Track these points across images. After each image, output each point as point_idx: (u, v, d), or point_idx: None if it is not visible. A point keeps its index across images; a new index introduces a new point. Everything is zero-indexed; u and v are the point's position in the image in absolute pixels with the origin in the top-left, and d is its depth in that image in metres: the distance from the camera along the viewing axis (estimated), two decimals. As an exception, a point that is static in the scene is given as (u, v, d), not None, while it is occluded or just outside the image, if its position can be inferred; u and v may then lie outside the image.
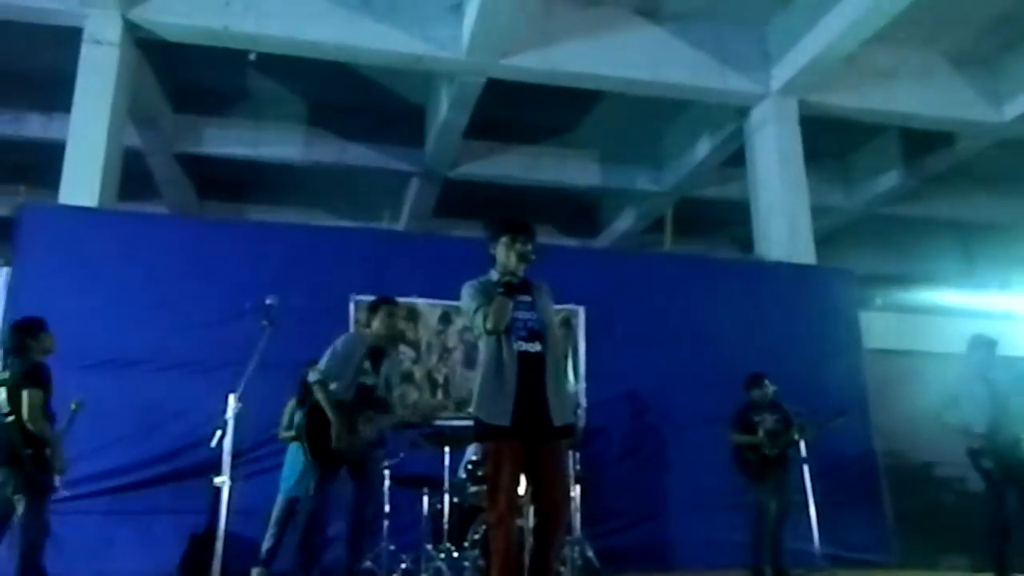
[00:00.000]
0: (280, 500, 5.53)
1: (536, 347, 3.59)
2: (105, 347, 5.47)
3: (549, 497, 3.57)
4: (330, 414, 4.60)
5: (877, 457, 7.54)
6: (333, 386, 4.73)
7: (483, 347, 3.61)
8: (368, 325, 5.05)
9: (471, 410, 3.63)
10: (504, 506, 3.46)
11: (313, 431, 4.64)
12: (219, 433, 4.05)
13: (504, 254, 3.63)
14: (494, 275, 3.67)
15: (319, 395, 4.66)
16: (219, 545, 4.02)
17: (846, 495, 6.77)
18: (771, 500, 6.00)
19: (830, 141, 11.12)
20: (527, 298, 3.66)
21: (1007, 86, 9.61)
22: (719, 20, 9.02)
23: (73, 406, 4.57)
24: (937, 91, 9.61)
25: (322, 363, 4.74)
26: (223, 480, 4.03)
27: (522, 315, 3.61)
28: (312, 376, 4.72)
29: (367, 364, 4.85)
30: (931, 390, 6.18)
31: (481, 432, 3.57)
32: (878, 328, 8.36)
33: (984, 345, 6.03)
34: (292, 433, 5.29)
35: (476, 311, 3.58)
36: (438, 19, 8.33)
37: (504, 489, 3.45)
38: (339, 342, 4.85)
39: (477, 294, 3.63)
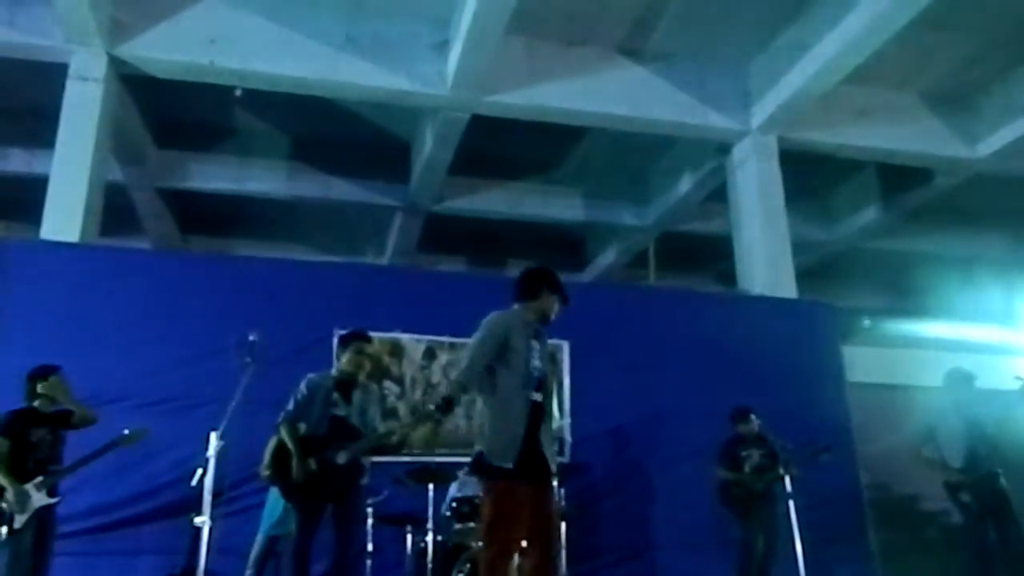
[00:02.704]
0: (259, 539, 5.44)
1: (539, 396, 3.79)
2: (86, 383, 5.37)
3: (546, 537, 3.62)
4: (290, 446, 4.68)
5: (862, 491, 7.53)
6: (301, 427, 4.79)
7: (500, 386, 3.71)
8: (338, 358, 5.13)
9: (478, 446, 3.70)
10: (502, 546, 3.52)
11: (280, 471, 4.72)
12: (200, 471, 4.01)
13: (550, 308, 3.97)
14: (526, 314, 3.91)
15: (282, 433, 4.75)
16: (198, 586, 3.95)
17: (832, 530, 6.73)
18: (758, 535, 5.98)
19: (810, 178, 11.28)
20: (539, 347, 3.88)
21: (981, 124, 9.82)
22: (701, 60, 9.18)
23: (120, 439, 4.82)
24: (912, 129, 9.81)
25: (287, 404, 4.81)
26: (203, 519, 3.97)
27: (536, 364, 3.82)
28: (279, 417, 4.80)
29: (335, 396, 4.89)
30: (912, 424, 6.22)
31: (487, 471, 3.64)
32: (861, 362, 8.41)
33: (961, 379, 6.08)
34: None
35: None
36: (423, 56, 8.42)
37: (504, 528, 3.53)
38: (303, 383, 4.90)
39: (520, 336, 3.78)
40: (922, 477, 6.92)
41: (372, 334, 6.76)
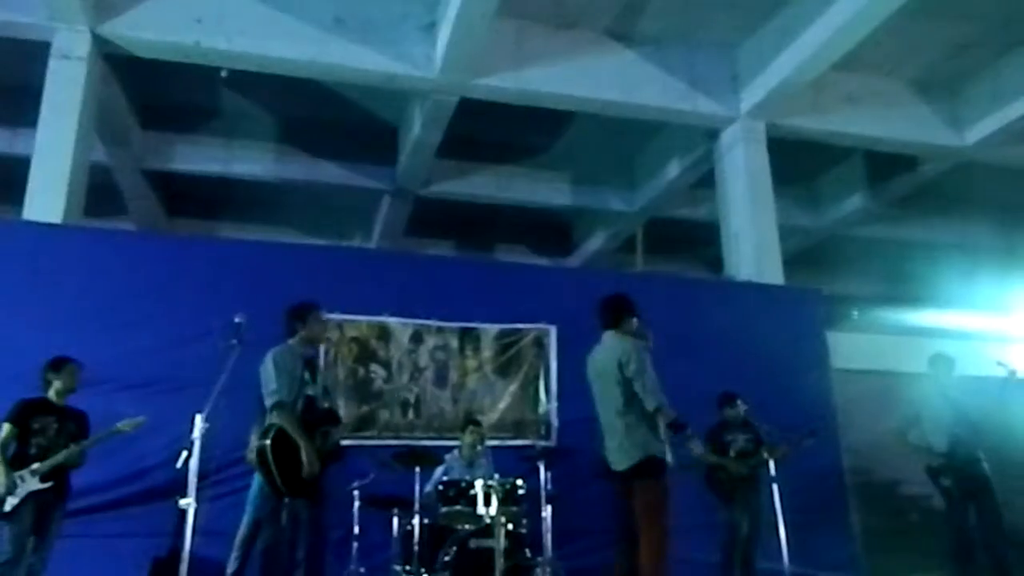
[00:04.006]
0: (246, 521, 5.43)
1: None
2: (69, 366, 5.38)
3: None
4: (299, 438, 4.37)
5: (845, 476, 7.60)
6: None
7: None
8: (293, 333, 4.75)
9: (637, 453, 4.50)
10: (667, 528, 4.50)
11: (282, 459, 4.34)
12: (185, 454, 3.99)
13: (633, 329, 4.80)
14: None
15: (283, 419, 4.41)
16: (183, 568, 3.93)
17: (815, 514, 6.79)
18: (742, 519, 6.03)
19: (798, 164, 11.31)
20: None
21: (967, 111, 9.87)
22: (690, 44, 9.17)
23: (117, 428, 4.91)
24: (900, 116, 9.85)
25: (271, 383, 4.47)
26: (188, 502, 3.96)
27: None
28: (269, 399, 4.47)
29: (307, 375, 4.69)
30: (897, 409, 6.27)
31: (661, 467, 4.54)
32: (846, 348, 8.46)
33: (943, 363, 6.14)
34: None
35: None
36: (411, 38, 8.36)
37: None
38: (276, 358, 4.55)
39: None
40: (904, 462, 6.99)
41: (359, 317, 6.84)
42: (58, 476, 4.84)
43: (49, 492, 4.78)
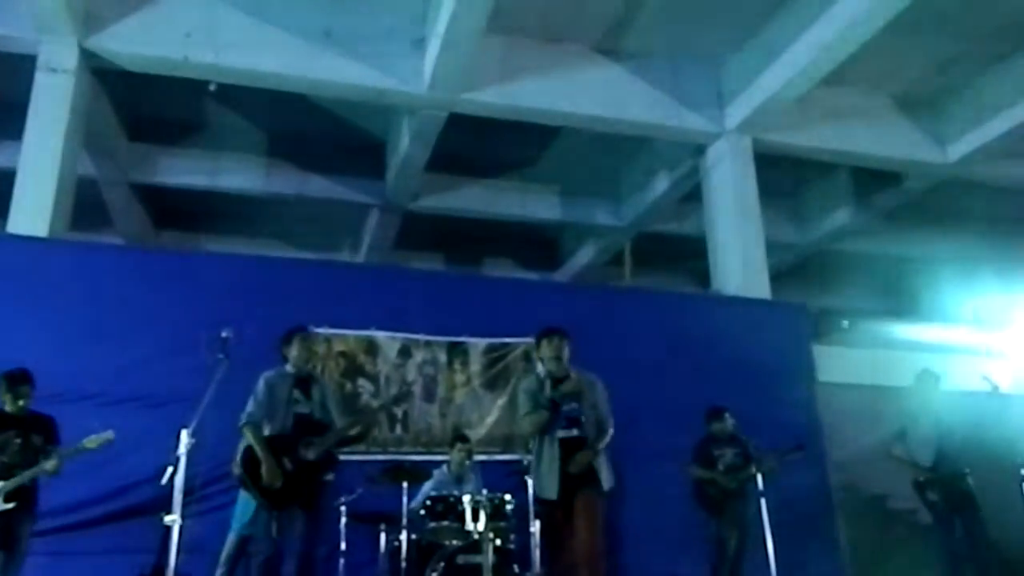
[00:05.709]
0: (231, 538, 5.39)
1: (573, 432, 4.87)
2: (54, 381, 5.30)
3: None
4: (259, 452, 4.60)
5: (832, 490, 7.62)
6: (266, 430, 4.75)
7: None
8: (286, 358, 5.04)
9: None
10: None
11: (253, 473, 4.61)
12: (170, 470, 3.96)
13: (547, 354, 5.07)
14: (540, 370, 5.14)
15: (249, 437, 4.69)
16: (168, 585, 3.90)
17: (802, 528, 6.81)
18: (730, 533, 6.03)
19: (783, 179, 11.39)
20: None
21: (951, 128, 9.97)
22: (677, 60, 9.24)
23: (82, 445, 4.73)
24: (884, 132, 9.93)
25: (247, 406, 4.76)
26: (173, 518, 3.92)
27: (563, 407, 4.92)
28: (240, 420, 4.73)
29: (297, 394, 4.88)
30: (882, 424, 6.31)
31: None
32: (832, 362, 8.50)
33: (930, 379, 6.19)
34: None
35: None
36: (400, 53, 8.38)
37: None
38: (260, 382, 4.86)
39: None
40: (891, 476, 7.02)
41: (347, 332, 6.82)
42: (23, 490, 4.70)
43: (15, 508, 4.65)
